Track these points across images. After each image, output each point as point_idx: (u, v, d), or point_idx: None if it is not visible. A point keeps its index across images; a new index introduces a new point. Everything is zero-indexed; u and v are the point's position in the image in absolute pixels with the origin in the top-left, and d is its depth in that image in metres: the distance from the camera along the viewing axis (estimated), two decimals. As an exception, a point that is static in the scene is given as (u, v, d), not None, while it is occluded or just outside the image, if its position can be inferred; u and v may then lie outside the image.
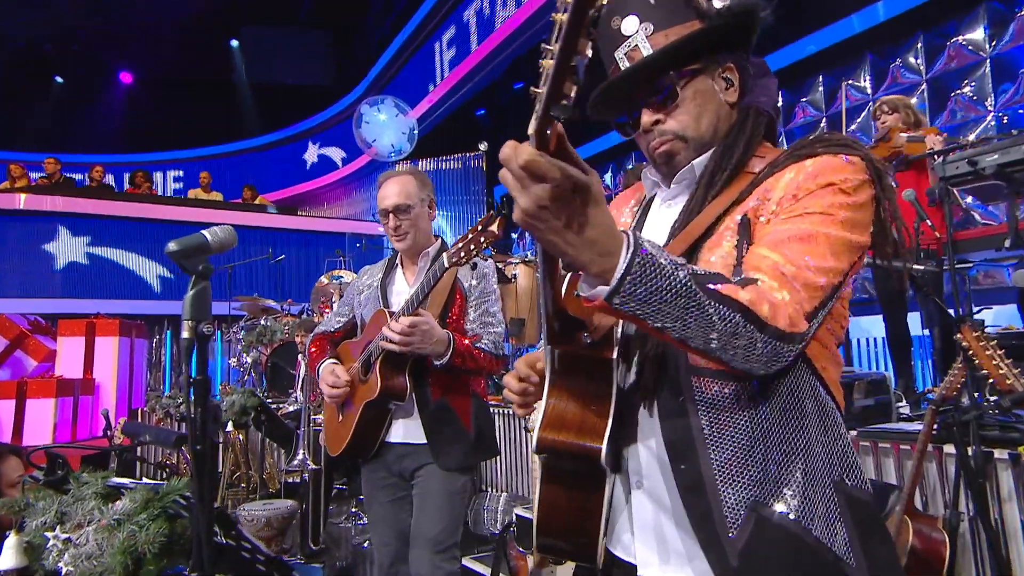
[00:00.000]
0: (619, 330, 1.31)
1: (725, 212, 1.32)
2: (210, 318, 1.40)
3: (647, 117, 1.42)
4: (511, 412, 4.76)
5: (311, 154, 18.27)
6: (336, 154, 17.64)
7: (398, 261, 2.97)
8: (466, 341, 2.67)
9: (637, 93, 1.41)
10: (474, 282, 2.79)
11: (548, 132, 0.93)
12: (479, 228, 2.29)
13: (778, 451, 1.22)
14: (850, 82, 8.05)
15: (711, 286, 1.08)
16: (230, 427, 5.87)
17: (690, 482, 1.24)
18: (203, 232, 1.51)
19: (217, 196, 13.92)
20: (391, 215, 2.79)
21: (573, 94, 0.90)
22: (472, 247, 2.30)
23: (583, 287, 1.07)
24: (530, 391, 1.48)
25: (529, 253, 8.04)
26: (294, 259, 13.43)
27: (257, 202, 14.63)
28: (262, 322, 8.14)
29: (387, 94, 14.04)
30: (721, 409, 1.24)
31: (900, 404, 4.05)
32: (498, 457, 5.19)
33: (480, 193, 14.41)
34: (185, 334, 1.36)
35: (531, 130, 0.92)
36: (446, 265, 2.40)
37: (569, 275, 1.36)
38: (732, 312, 1.09)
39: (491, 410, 2.88)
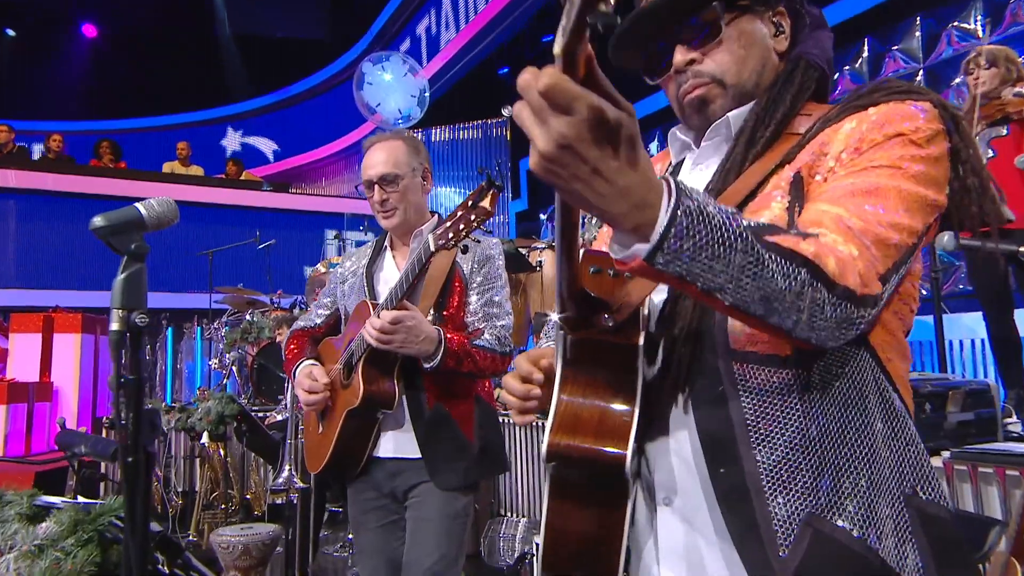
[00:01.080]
0: (646, 309, 1.31)
1: (772, 173, 1.32)
2: (144, 307, 1.39)
3: (681, 55, 1.43)
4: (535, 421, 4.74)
5: (305, 122, 18.37)
6: (334, 121, 17.71)
7: (387, 243, 2.98)
8: (462, 338, 2.67)
9: (671, 27, 1.42)
10: (475, 266, 2.80)
11: (578, 52, 0.89)
12: (469, 204, 2.29)
13: (837, 453, 1.22)
14: (956, 24, 7.74)
15: (769, 238, 1.07)
16: (206, 439, 5.93)
17: (731, 489, 1.23)
18: (137, 205, 1.50)
19: (197, 170, 14.05)
20: (376, 187, 2.80)
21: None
22: (461, 227, 2.30)
23: (614, 247, 1.05)
24: (534, 394, 1.48)
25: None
26: (285, 244, 13.55)
27: (244, 178, 14.74)
28: (247, 317, 8.22)
29: (393, 50, 14.07)
30: (769, 401, 1.24)
31: (1009, 420, 3.95)
32: (518, 476, 5.19)
33: (504, 168, 14.41)
34: (114, 325, 1.36)
35: (557, 49, 0.89)
36: (432, 248, 2.39)
37: (583, 250, 1.35)
38: (796, 267, 1.07)
39: (500, 418, 2.87)
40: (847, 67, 8.38)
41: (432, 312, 2.70)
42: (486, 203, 2.25)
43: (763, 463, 1.22)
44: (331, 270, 8.16)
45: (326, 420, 2.84)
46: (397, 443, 2.73)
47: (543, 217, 13.25)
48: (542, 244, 7.59)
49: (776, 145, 1.35)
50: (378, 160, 2.81)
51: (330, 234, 11.61)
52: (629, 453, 1.22)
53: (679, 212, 0.99)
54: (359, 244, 9.12)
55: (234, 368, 8.12)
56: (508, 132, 14.12)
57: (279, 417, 6.22)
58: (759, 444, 1.23)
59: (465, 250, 2.46)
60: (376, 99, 13.01)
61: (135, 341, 1.37)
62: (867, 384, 1.27)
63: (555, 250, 1.15)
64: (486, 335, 2.72)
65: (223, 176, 14.68)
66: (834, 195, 1.22)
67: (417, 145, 2.87)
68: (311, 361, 2.89)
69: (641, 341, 1.28)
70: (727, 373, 1.26)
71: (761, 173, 1.32)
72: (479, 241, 2.68)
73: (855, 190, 1.21)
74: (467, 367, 2.65)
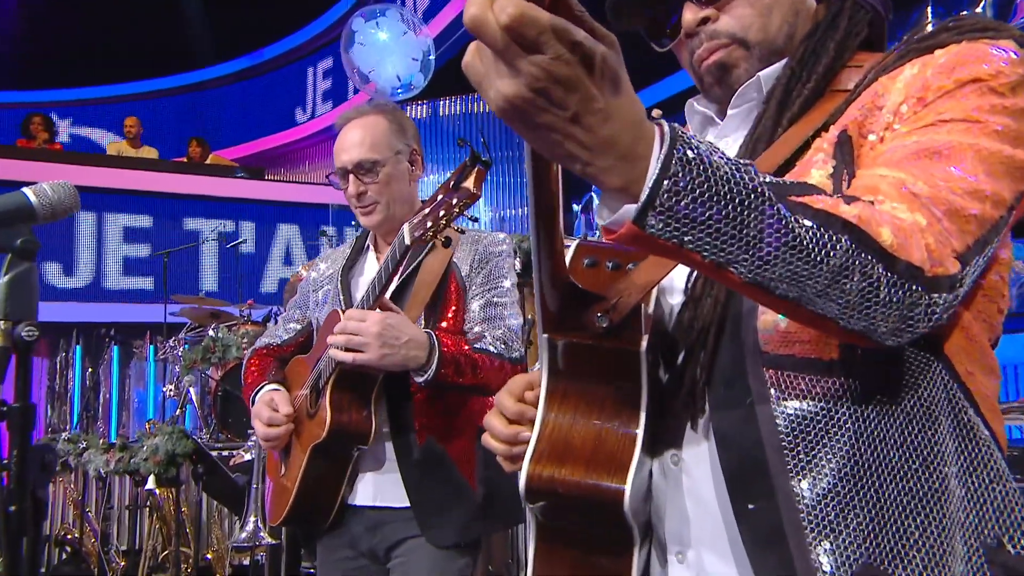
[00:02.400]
0: (651, 306, 1.32)
1: (814, 136, 1.32)
2: (34, 317, 1.38)
3: (691, 13, 1.44)
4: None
5: (283, 93, 18.45)
6: (319, 92, 17.78)
7: (368, 243, 3.00)
8: (460, 341, 2.66)
9: None
10: (476, 265, 2.81)
11: None
12: (450, 186, 2.28)
13: (897, 489, 1.20)
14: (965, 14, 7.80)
15: (797, 197, 1.06)
16: (153, 484, 5.94)
17: (763, 532, 1.22)
18: (24, 191, 1.49)
19: (150, 152, 14.18)
20: (351, 176, 2.81)
21: None
22: (441, 214, 2.30)
23: (602, 212, 1.05)
24: (524, 437, 1.49)
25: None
26: (259, 243, 13.63)
27: (210, 161, 14.83)
28: (211, 333, 8.26)
29: (390, 3, 14.10)
30: (811, 419, 1.22)
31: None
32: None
33: (506, 141, 14.42)
34: (-3, 341, 1.34)
35: None
36: (407, 242, 2.40)
37: (577, 242, 1.38)
38: (833, 233, 1.05)
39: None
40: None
41: (423, 324, 2.70)
42: (470, 183, 2.24)
43: (804, 498, 1.20)
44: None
45: (288, 459, 2.84)
46: (378, 488, 2.73)
47: (576, 208, 13.23)
48: (573, 241, 7.58)
49: (818, 104, 1.35)
50: (353, 142, 2.81)
51: (327, 229, 11.61)
52: (629, 487, 1.21)
53: (673, 161, 0.98)
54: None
55: (193, 396, 8.17)
56: (533, 103, 14.15)
57: (247, 456, 6.23)
58: (799, 473, 1.21)
59: (447, 243, 2.44)
60: (369, 64, 13.00)
61: (22, 360, 1.36)
62: (938, 402, 1.25)
63: (530, 222, 1.15)
64: (487, 337, 2.71)
65: (183, 159, 14.78)
66: (893, 157, 1.20)
67: (402, 122, 2.88)
68: (273, 386, 2.90)
69: (644, 345, 1.27)
70: (757, 383, 1.25)
71: (800, 138, 1.32)
72: (463, 231, 2.67)
73: (920, 150, 1.19)
74: (467, 380, 2.62)
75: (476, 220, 2.41)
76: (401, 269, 2.61)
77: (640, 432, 1.26)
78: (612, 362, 1.29)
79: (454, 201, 2.27)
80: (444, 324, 2.74)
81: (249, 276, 13.04)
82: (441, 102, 14.61)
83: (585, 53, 0.91)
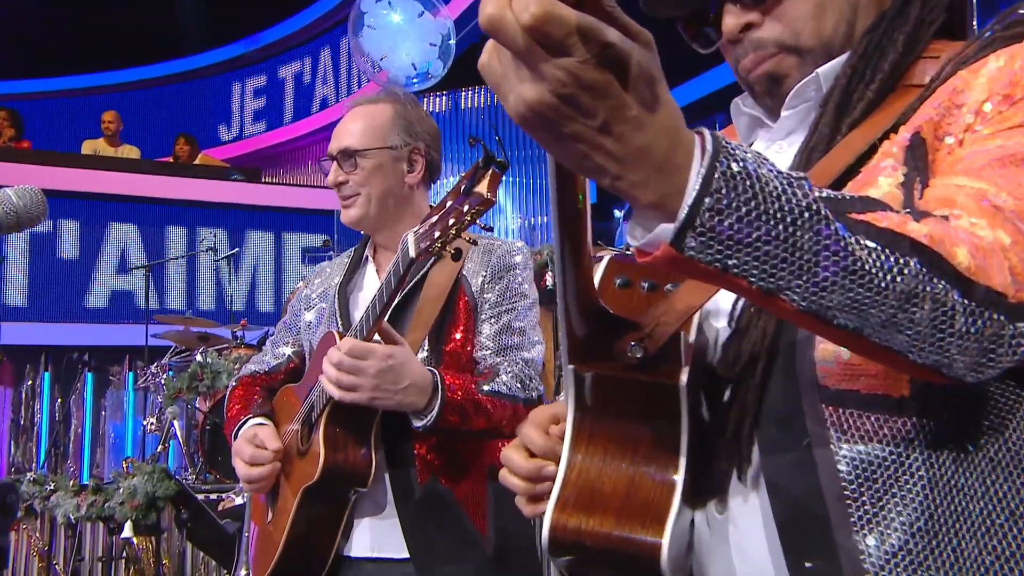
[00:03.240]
0: (692, 333, 1.31)
1: (882, 138, 1.33)
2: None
3: (732, 18, 1.47)
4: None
5: (284, 83, 18.54)
6: (323, 83, 17.86)
7: (367, 253, 3.02)
8: (468, 383, 2.65)
9: None
10: (488, 279, 2.81)
11: None
12: (460, 190, 2.27)
13: (979, 547, 1.19)
14: None
15: (858, 215, 1.06)
16: (130, 532, 5.95)
17: None
18: (-11, 197, 1.49)
19: (131, 151, 14.27)
20: (333, 164, 2.87)
21: None
22: (451, 222, 2.28)
23: (634, 231, 1.06)
24: (547, 473, 1.50)
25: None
26: (254, 254, 13.68)
27: (200, 162, 14.91)
28: (198, 358, 8.30)
29: (405, -21, 14.14)
30: (879, 464, 1.22)
31: None
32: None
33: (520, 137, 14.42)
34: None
35: None
36: (411, 254, 2.39)
37: (609, 256, 1.40)
38: (900, 256, 1.05)
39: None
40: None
41: (427, 348, 2.70)
42: (483, 187, 2.22)
43: (870, 556, 1.19)
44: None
45: (276, 503, 2.84)
46: (376, 537, 2.73)
47: (618, 214, 13.17)
48: (613, 251, 7.55)
49: (887, 102, 1.35)
50: (346, 127, 2.88)
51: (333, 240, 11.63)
52: (666, 541, 1.21)
53: (716, 175, 0.98)
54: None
55: (177, 430, 8.20)
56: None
57: (239, 500, 6.24)
58: (864, 527, 1.20)
59: (457, 256, 2.43)
60: (381, 49, 13.05)
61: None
62: None
63: (554, 241, 1.15)
64: (502, 375, 2.71)
65: (169, 159, 14.86)
66: (973, 164, 1.19)
67: (412, 117, 2.91)
68: (259, 420, 2.90)
69: (684, 379, 1.26)
70: (815, 422, 1.25)
71: (864, 141, 1.32)
72: (475, 243, 2.63)
73: (1005, 156, 1.18)
74: (477, 424, 2.63)
75: (491, 230, 2.39)
76: (404, 285, 2.59)
77: (679, 478, 1.26)
78: (647, 398, 1.29)
79: (465, 208, 2.25)
80: (451, 347, 2.75)
81: (243, 293, 13.10)
82: (463, 93, 14.66)
83: (617, 55, 0.91)
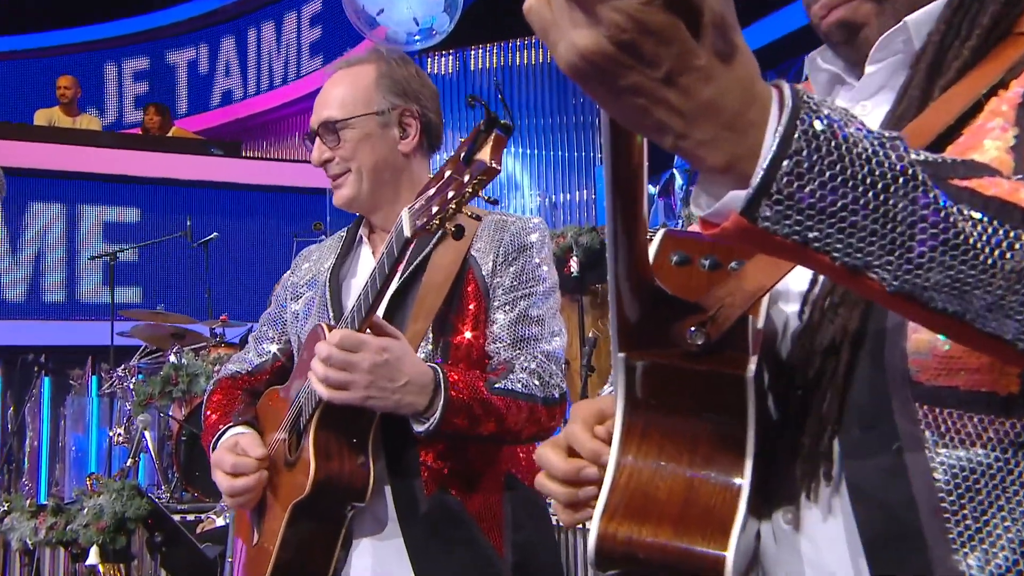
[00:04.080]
0: (761, 318, 1.31)
1: (988, 94, 1.31)
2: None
3: None
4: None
5: (267, 44, 18.55)
6: (311, 44, 17.86)
7: (361, 233, 3.03)
8: (476, 381, 2.63)
9: None
10: (501, 260, 2.80)
11: None
12: (460, 158, 2.26)
13: None
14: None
15: (960, 181, 1.06)
16: (95, 559, 5.95)
17: None
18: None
19: (91, 122, 14.33)
20: (316, 140, 2.87)
21: None
22: (450, 195, 2.27)
23: (699, 199, 1.07)
24: (588, 475, 1.51)
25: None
26: (236, 240, 13.69)
27: (172, 134, 14.92)
28: (172, 359, 8.32)
29: (405, -80, 14.14)
30: (981, 473, 1.21)
31: None
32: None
33: (583, 108, 14.42)
34: None
35: None
36: (406, 233, 2.39)
37: (664, 230, 1.41)
38: (1011, 227, 1.04)
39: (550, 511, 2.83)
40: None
41: (431, 341, 2.71)
42: (485, 154, 2.21)
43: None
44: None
45: (263, 521, 2.84)
46: (378, 559, 2.74)
47: (652, 190, 13.18)
48: (647, 233, 7.58)
49: (995, 53, 1.34)
50: (326, 98, 2.88)
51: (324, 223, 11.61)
52: (731, 554, 1.21)
53: (796, 134, 0.97)
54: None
55: (149, 442, 8.21)
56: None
57: (220, 521, 6.26)
58: (965, 544, 1.19)
59: (459, 233, 2.40)
60: (377, 2, 13.06)
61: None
62: None
63: (607, 217, 1.15)
64: (517, 372, 2.69)
65: (137, 131, 14.88)
66: None
67: (397, 74, 2.91)
68: (240, 428, 2.89)
69: (752, 369, 1.26)
70: (907, 423, 1.24)
71: (967, 97, 1.30)
72: (479, 218, 2.60)
73: None
74: (487, 428, 2.62)
75: (496, 202, 2.38)
76: (401, 269, 2.61)
77: (745, 483, 1.26)
78: (709, 390, 1.29)
79: (466, 178, 2.24)
80: (459, 340, 2.75)
81: (223, 283, 13.11)
82: (472, 52, 14.67)
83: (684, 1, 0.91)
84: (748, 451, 1.27)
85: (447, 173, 2.29)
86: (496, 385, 2.63)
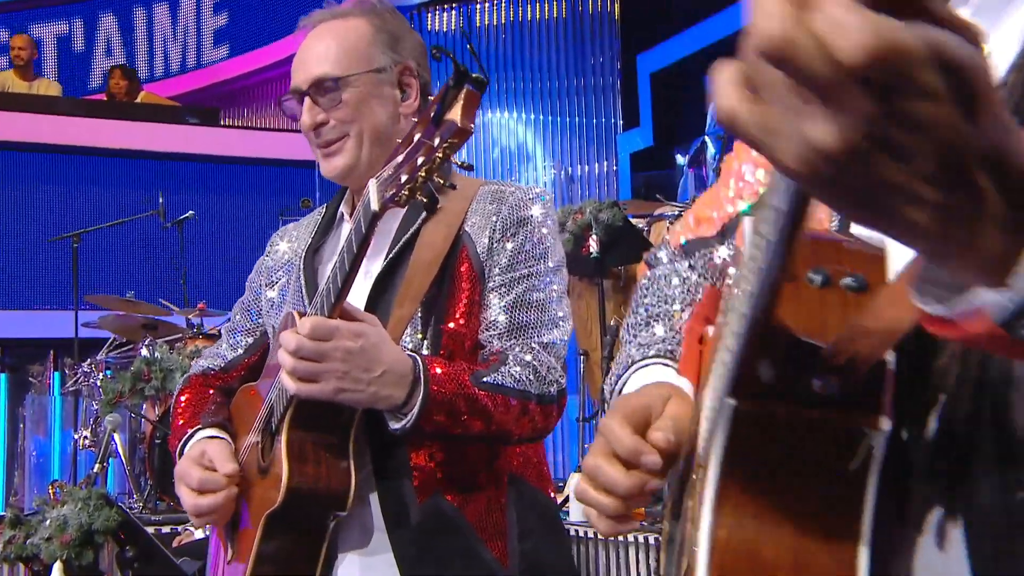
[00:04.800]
0: (891, 358, 1.21)
1: None
2: None
3: None
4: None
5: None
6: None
7: (342, 209, 3.01)
8: (461, 373, 2.60)
9: None
10: (498, 236, 2.78)
11: None
12: (428, 118, 2.23)
13: None
14: None
15: None
16: (58, 575, 5.95)
17: None
18: None
19: (50, 87, 14.25)
20: (306, 100, 2.81)
21: None
22: (420, 163, 2.23)
23: (924, 291, 0.99)
24: (650, 487, 1.50)
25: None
26: (214, 219, 13.62)
27: (142, 100, 14.86)
28: (143, 352, 8.31)
29: None
30: None
31: None
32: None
33: (603, 69, 14.33)
34: None
35: None
36: (374, 207, 2.34)
37: (808, 235, 1.29)
38: None
39: (565, 522, 2.83)
40: None
41: (419, 329, 2.69)
42: (456, 113, 2.18)
43: None
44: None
45: (237, 536, 2.84)
46: (366, 571, 2.72)
47: (681, 161, 13.14)
48: (677, 209, 7.54)
49: None
50: (313, 54, 2.83)
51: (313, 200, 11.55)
52: None
53: None
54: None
55: (119, 445, 8.17)
56: (617, 5, 14.09)
57: (199, 534, 6.25)
58: None
59: (432, 205, 2.40)
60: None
61: None
62: None
63: (765, 266, 1.05)
64: (510, 364, 2.65)
65: (101, 97, 14.83)
66: None
67: (395, 30, 2.89)
68: (209, 432, 2.88)
69: (886, 424, 1.21)
70: None
71: None
72: (454, 186, 2.53)
73: None
74: (473, 426, 2.59)
75: (470, 168, 2.34)
76: (377, 248, 2.59)
77: (864, 551, 1.21)
78: (830, 445, 1.23)
79: (436, 142, 2.20)
80: (452, 326, 2.73)
81: (200, 267, 13.04)
82: (478, 7, 14.60)
83: (963, 79, 0.79)
84: (866, 512, 1.21)
85: (416, 137, 2.26)
86: (484, 379, 2.59)
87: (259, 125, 17.07)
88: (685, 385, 1.71)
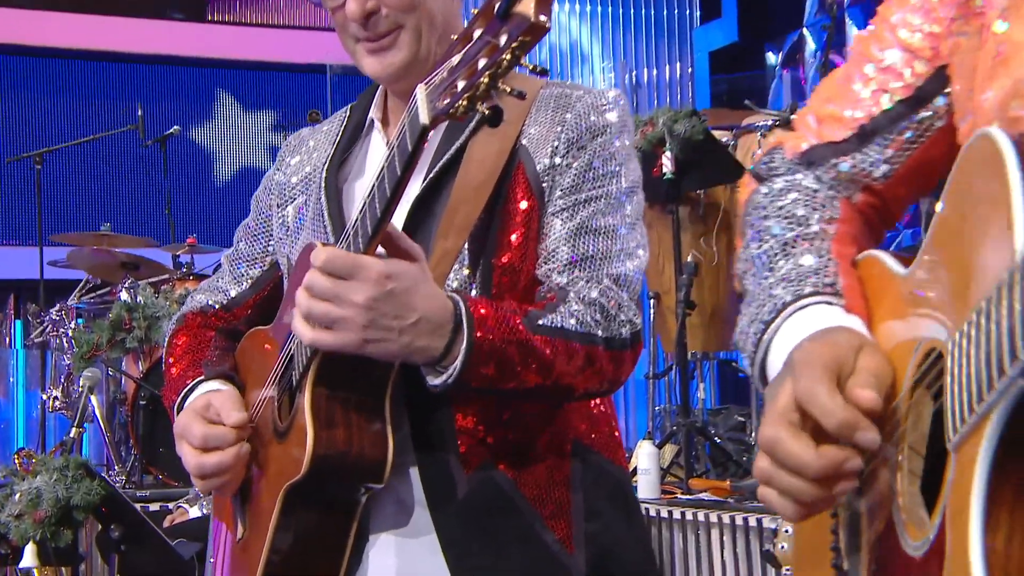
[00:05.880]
0: None
1: None
2: None
3: None
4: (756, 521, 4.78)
5: None
6: None
7: (372, 115, 2.97)
8: (513, 316, 2.54)
9: None
10: (563, 150, 2.73)
11: None
12: (491, 12, 2.10)
13: None
14: None
15: None
16: (31, 560, 5.98)
17: None
18: None
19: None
20: None
21: None
22: (481, 67, 2.12)
23: None
24: (851, 469, 1.53)
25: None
26: (204, 135, 13.67)
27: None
28: (123, 296, 8.34)
29: None
30: None
31: None
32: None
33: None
34: None
35: None
36: (423, 120, 2.24)
37: None
38: None
39: (637, 498, 2.84)
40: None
41: (466, 264, 2.67)
42: (527, 5, 2.02)
43: None
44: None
45: (249, 511, 2.85)
46: (404, 556, 2.73)
47: (773, 60, 13.15)
48: (770, 118, 7.51)
49: None
50: None
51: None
52: None
53: None
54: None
55: (96, 408, 8.21)
56: None
57: (194, 512, 6.29)
58: None
59: (496, 119, 2.23)
60: None
61: None
62: None
63: None
64: (571, 303, 2.62)
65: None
66: None
67: None
68: (214, 384, 2.88)
69: None
70: None
71: None
72: (522, 95, 2.34)
73: None
74: (527, 379, 2.55)
75: (545, 72, 2.26)
76: (417, 167, 2.44)
77: None
78: None
79: (503, 40, 2.06)
80: (505, 260, 2.70)
81: (188, 194, 13.09)
82: None
83: None
84: None
85: (476, 34, 2.13)
86: (540, 321, 2.55)
87: (254, 21, 17.06)
88: (862, 327, 1.72)
